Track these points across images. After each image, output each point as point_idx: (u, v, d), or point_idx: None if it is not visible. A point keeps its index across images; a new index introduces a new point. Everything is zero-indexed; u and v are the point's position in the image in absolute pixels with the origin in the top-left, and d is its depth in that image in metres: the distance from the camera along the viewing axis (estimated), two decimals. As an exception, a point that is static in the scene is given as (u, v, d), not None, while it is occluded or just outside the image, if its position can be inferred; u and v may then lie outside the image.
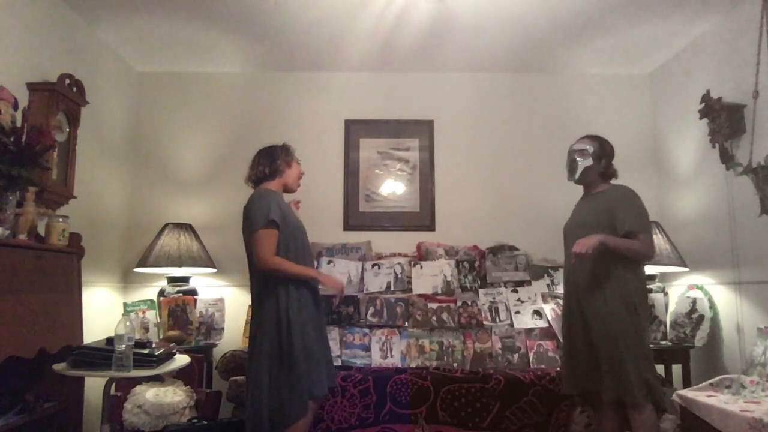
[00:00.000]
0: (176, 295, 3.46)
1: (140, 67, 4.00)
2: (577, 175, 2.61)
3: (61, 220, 2.62)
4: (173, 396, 2.76)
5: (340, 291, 2.51)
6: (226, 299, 3.65)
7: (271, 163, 2.47)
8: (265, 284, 2.34)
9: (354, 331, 3.26)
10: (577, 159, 2.59)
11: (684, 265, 3.37)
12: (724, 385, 2.66)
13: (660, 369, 3.10)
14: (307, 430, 2.38)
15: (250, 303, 2.56)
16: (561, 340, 2.70)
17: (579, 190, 2.77)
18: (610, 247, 2.35)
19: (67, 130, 2.96)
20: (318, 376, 2.31)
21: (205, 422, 2.69)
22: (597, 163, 2.56)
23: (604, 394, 2.38)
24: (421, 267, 3.55)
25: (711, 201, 3.33)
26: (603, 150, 2.58)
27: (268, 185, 2.47)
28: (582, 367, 2.46)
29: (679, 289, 3.50)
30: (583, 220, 2.56)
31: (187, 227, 3.59)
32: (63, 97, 2.85)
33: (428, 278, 3.51)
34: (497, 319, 3.33)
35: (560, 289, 3.51)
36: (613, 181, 2.62)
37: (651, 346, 2.61)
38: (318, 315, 2.43)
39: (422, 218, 3.96)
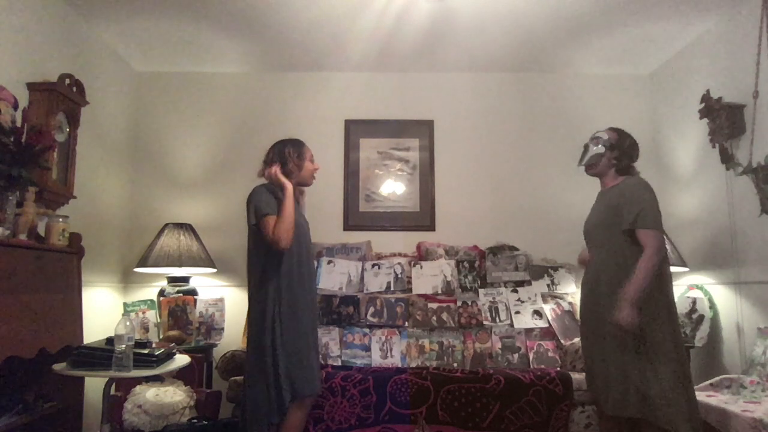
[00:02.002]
0: (176, 295, 3.46)
1: (140, 67, 4.00)
2: (584, 161, 2.45)
3: (61, 220, 2.62)
4: (173, 396, 2.76)
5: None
6: (226, 299, 3.65)
7: (281, 165, 2.47)
8: (257, 282, 2.35)
9: (354, 331, 3.26)
10: (589, 144, 2.46)
11: (684, 265, 3.38)
12: (724, 385, 2.66)
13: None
14: (300, 429, 2.38)
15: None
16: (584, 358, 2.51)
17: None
18: (639, 295, 2.12)
19: (67, 130, 2.96)
20: (303, 377, 2.30)
21: (205, 422, 2.68)
22: (608, 152, 2.40)
23: (631, 410, 2.16)
24: (421, 267, 3.55)
25: (711, 201, 3.33)
26: (619, 141, 2.41)
27: None
28: (618, 384, 2.22)
29: (679, 289, 3.49)
30: (597, 220, 2.40)
31: (187, 227, 3.60)
32: (63, 97, 2.85)
33: (428, 278, 3.51)
34: (497, 319, 3.33)
35: (560, 289, 3.51)
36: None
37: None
38: (310, 315, 2.43)
39: (422, 218, 3.95)
